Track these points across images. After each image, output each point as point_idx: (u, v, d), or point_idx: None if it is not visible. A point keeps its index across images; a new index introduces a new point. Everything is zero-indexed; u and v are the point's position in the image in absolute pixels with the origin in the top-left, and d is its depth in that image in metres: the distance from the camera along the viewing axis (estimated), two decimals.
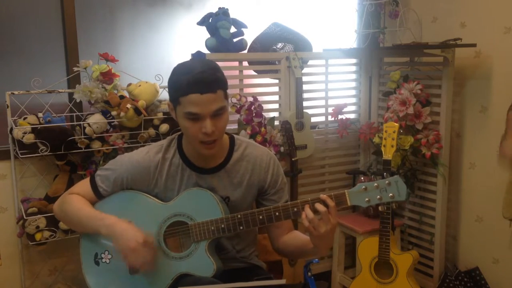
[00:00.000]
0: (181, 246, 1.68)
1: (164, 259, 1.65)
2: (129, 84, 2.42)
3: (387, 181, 1.52)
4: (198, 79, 1.51)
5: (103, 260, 1.71)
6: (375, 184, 1.53)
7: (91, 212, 1.68)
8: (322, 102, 2.99)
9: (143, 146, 1.79)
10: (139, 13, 2.74)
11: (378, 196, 1.53)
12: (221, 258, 1.67)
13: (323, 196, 1.54)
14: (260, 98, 2.67)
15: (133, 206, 1.70)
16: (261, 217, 1.61)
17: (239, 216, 1.62)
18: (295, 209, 1.59)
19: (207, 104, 1.53)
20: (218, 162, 1.71)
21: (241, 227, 1.62)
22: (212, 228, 1.63)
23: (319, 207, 1.52)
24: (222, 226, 1.62)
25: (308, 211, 1.53)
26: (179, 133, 1.74)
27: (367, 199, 1.53)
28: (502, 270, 2.68)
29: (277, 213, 1.61)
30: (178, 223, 1.67)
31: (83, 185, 1.75)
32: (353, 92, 3.10)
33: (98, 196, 1.72)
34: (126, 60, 2.64)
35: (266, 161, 1.75)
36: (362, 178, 2.89)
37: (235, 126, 2.61)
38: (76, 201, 1.71)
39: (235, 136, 1.78)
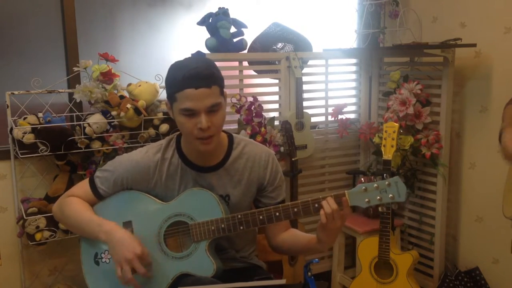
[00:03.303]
0: (181, 246, 1.68)
1: (164, 258, 1.65)
2: (129, 84, 2.42)
3: (387, 182, 1.52)
4: (192, 74, 1.52)
5: (103, 260, 1.71)
6: (375, 185, 1.53)
7: (90, 217, 1.68)
8: (322, 102, 2.99)
9: (143, 146, 1.79)
10: (139, 13, 2.74)
11: (378, 197, 1.53)
12: (221, 258, 1.67)
13: (329, 198, 1.55)
14: (260, 98, 2.67)
15: (133, 206, 1.70)
16: (261, 217, 1.62)
17: (239, 216, 1.62)
18: (295, 209, 1.60)
19: (202, 99, 1.53)
20: (217, 161, 1.71)
21: (242, 227, 1.62)
22: (213, 228, 1.63)
23: (332, 202, 1.54)
24: (222, 226, 1.62)
25: (332, 203, 1.54)
26: (178, 133, 1.74)
27: (367, 199, 1.54)
28: (502, 270, 2.68)
29: (277, 213, 1.61)
30: (179, 223, 1.67)
31: (83, 187, 1.75)
32: (353, 92, 3.10)
33: (98, 197, 1.73)
34: (126, 60, 2.63)
35: (265, 159, 1.75)
36: (363, 179, 2.89)
37: (235, 126, 2.61)
38: (75, 205, 1.71)
39: (233, 134, 1.78)
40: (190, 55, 2.51)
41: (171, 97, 1.59)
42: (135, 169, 1.69)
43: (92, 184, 1.73)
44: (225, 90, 1.65)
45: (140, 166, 1.69)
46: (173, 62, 1.66)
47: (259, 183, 1.75)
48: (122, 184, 1.71)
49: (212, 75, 1.56)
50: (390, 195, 1.52)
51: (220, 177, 1.71)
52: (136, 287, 1.58)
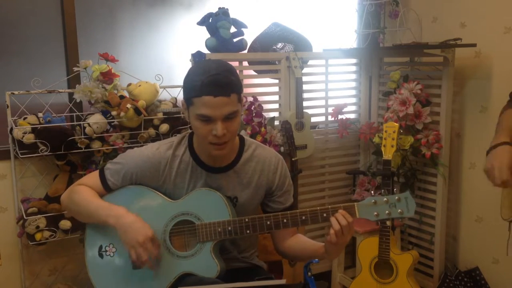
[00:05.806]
0: (186, 245, 1.68)
1: (168, 257, 1.66)
2: (129, 84, 2.42)
3: (397, 197, 1.54)
4: (211, 81, 1.50)
5: (107, 253, 1.71)
6: (385, 198, 1.54)
7: (100, 202, 1.68)
8: (322, 102, 2.99)
9: (143, 146, 1.78)
10: (139, 13, 2.74)
11: (387, 211, 1.54)
12: (222, 258, 1.67)
13: (342, 211, 1.56)
14: (260, 98, 2.67)
15: (141, 201, 1.70)
16: (268, 222, 1.62)
17: (246, 219, 1.62)
18: (303, 217, 1.60)
19: (220, 107, 1.52)
20: (228, 162, 1.71)
21: (248, 231, 1.62)
22: (219, 229, 1.63)
23: (341, 218, 1.54)
24: (229, 228, 1.63)
25: (341, 219, 1.54)
26: (190, 131, 1.74)
27: (375, 213, 1.55)
28: (502, 270, 2.68)
29: (285, 220, 1.61)
30: (185, 222, 1.67)
31: (92, 177, 1.75)
32: (353, 92, 3.10)
33: (106, 189, 1.72)
34: (126, 60, 2.63)
35: (275, 163, 1.75)
36: (367, 182, 2.89)
37: None
38: (85, 192, 1.71)
39: (244, 137, 1.78)
40: (190, 56, 2.51)
41: (187, 101, 1.57)
42: (146, 164, 1.69)
43: (102, 176, 1.73)
44: (242, 95, 1.63)
45: (150, 162, 1.69)
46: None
47: (267, 187, 1.75)
48: (131, 179, 1.71)
49: (231, 83, 1.54)
50: (399, 210, 1.53)
51: (229, 179, 1.71)
52: (152, 267, 1.59)
